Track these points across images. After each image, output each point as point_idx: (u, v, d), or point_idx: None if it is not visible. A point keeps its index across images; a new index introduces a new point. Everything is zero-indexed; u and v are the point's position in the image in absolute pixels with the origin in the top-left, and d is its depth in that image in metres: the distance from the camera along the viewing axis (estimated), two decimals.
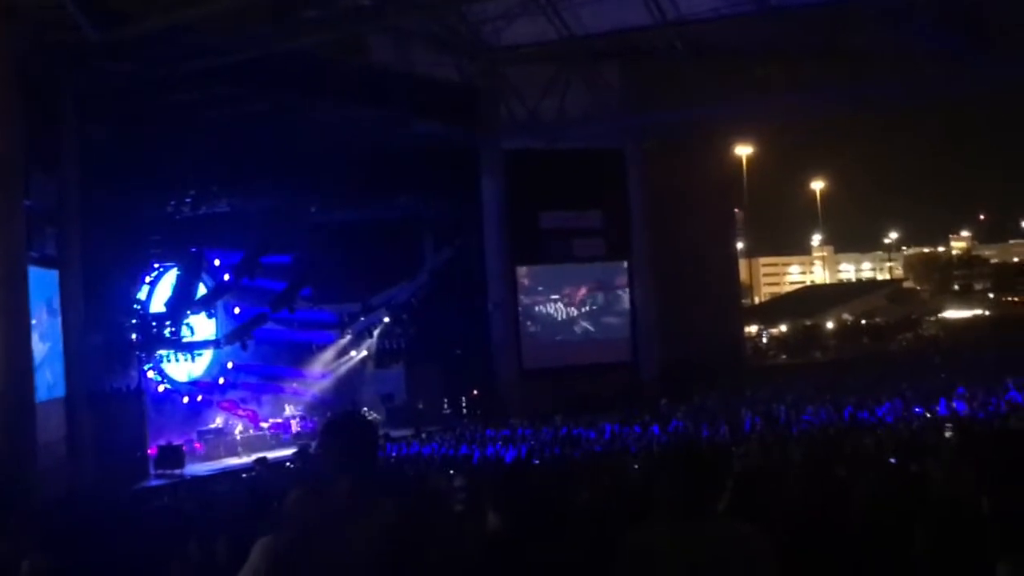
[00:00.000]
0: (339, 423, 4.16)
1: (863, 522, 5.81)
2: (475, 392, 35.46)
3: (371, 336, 35.51)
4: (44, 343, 22.04)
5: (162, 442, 27.61)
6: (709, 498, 4.06)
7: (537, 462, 20.13)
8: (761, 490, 8.18)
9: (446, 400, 35.44)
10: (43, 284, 22.30)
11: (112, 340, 26.21)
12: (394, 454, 24.87)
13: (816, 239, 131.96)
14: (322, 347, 35.24)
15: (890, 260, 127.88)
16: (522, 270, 36.93)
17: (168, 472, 26.27)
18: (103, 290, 25.22)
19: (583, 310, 37.89)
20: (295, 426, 31.96)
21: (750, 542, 3.98)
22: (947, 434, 16.32)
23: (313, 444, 28.55)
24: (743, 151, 58.28)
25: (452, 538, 3.96)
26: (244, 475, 24.02)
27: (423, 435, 29.59)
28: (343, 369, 35.41)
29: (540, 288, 37.51)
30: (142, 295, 28.91)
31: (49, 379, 22.28)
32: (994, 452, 3.99)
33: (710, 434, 23.92)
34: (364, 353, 35.67)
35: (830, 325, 66.07)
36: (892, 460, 10.20)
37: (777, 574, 3.99)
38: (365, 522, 3.79)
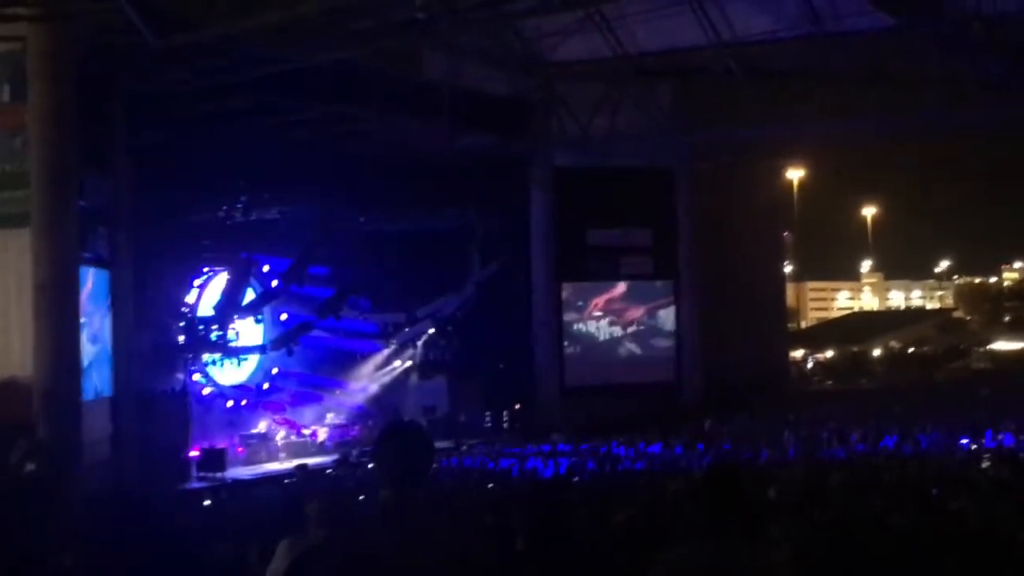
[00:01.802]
0: (393, 432, 4.15)
1: (897, 552, 5.78)
2: (517, 406, 35.47)
3: (415, 347, 35.59)
4: (94, 345, 22.29)
5: (205, 445, 27.79)
6: (739, 522, 4.05)
7: (576, 479, 20.12)
8: (800, 515, 8.16)
9: (488, 413, 35.46)
10: (95, 284, 22.59)
11: (160, 342, 26.44)
12: (433, 466, 24.84)
13: (866, 265, 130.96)
14: (367, 356, 35.37)
15: (940, 289, 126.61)
16: (567, 287, 36.94)
17: (210, 475, 26.44)
18: (153, 292, 25.48)
19: (628, 330, 37.79)
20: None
21: (779, 571, 3.99)
22: (984, 465, 16.17)
23: (354, 452, 28.66)
24: (794, 174, 57.97)
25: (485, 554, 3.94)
26: (285, 481, 24.14)
27: (463, 447, 29.67)
28: (386, 379, 35.51)
29: (584, 305, 37.45)
30: (191, 298, 29.15)
31: (96, 382, 22.53)
32: None
33: (751, 457, 23.83)
34: (408, 364, 35.76)
35: (877, 352, 65.47)
36: (933, 491, 10.15)
37: None
38: (407, 534, 3.78)
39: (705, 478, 4.36)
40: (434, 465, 4.15)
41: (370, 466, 24.32)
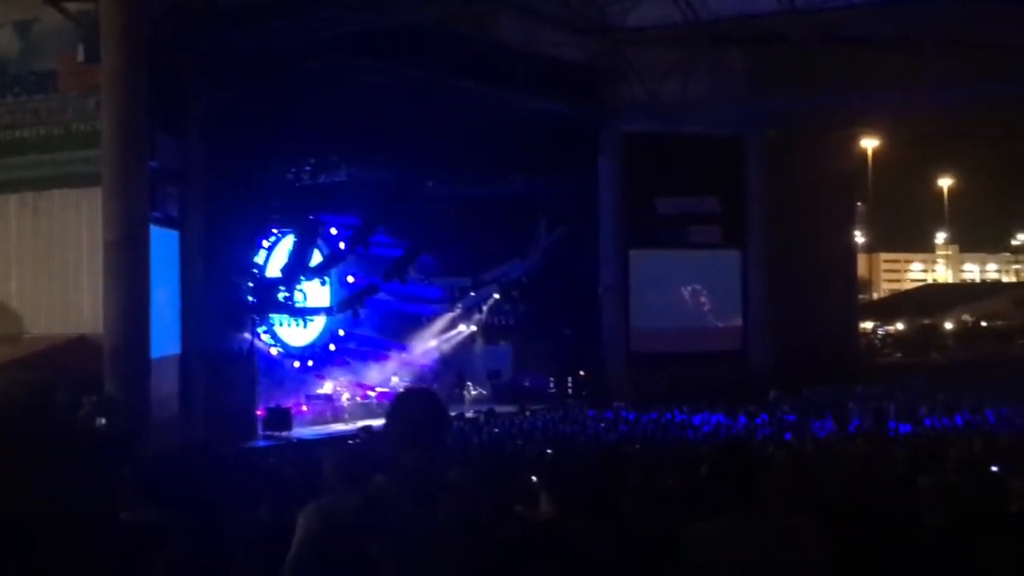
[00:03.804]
0: (406, 399, 4.19)
1: (940, 528, 5.70)
2: (582, 373, 35.46)
3: (481, 312, 35.71)
4: (162, 303, 22.51)
5: (271, 404, 28.09)
6: (760, 496, 4.06)
7: (638, 447, 20.08)
8: (855, 489, 8.08)
9: (552, 379, 35.51)
10: (164, 244, 22.84)
11: (228, 301, 26.68)
12: (497, 430, 24.98)
13: (941, 237, 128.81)
14: (432, 319, 35.57)
15: (1017, 262, 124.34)
16: (635, 254, 36.72)
17: (276, 434, 26.72)
18: (221, 252, 25.69)
19: (698, 300, 37.51)
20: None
21: (800, 533, 4.00)
22: None
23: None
24: (868, 143, 57.02)
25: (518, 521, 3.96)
26: (349, 442, 24.27)
27: (527, 412, 29.76)
28: (452, 343, 35.69)
29: (653, 273, 37.18)
30: (259, 259, 29.40)
31: (164, 341, 22.79)
32: None
33: (818, 429, 23.69)
34: (473, 328, 35.90)
35: (949, 326, 64.55)
36: (994, 469, 10.00)
37: (824, 562, 4.01)
38: (434, 496, 3.82)
39: (719, 457, 4.35)
40: (460, 428, 4.24)
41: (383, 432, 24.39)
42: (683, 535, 4.06)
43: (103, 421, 17.01)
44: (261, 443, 25.66)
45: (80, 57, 21.59)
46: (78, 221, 22.52)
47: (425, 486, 3.87)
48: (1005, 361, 46.83)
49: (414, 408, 4.10)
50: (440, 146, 29.60)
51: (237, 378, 26.10)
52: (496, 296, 35.42)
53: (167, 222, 23.21)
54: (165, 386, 22.48)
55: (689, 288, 37.31)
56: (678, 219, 36.71)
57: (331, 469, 4.94)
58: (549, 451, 14.01)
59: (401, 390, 4.27)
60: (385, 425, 4.19)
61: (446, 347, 35.63)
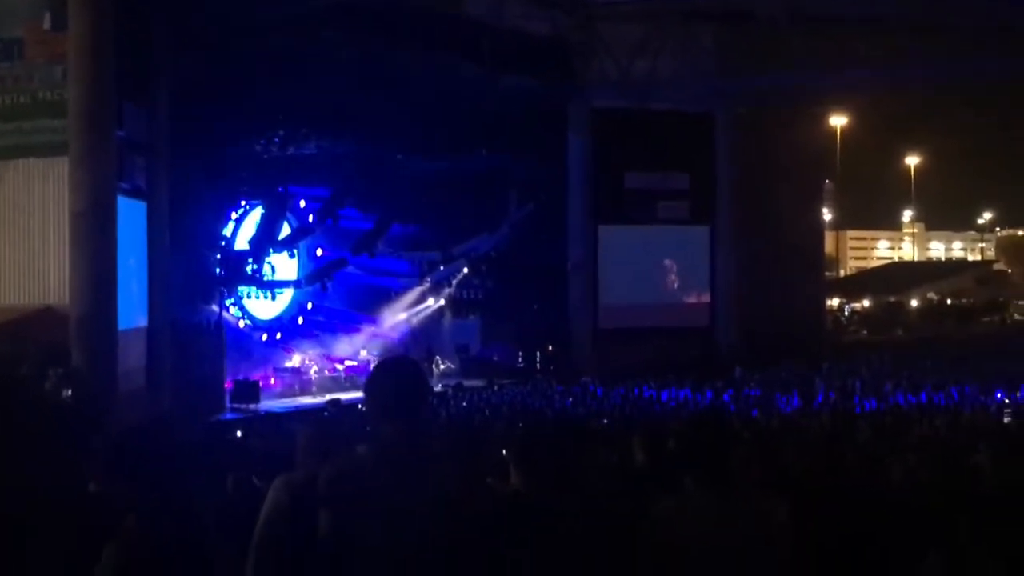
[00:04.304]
0: (387, 369, 4.18)
1: (911, 507, 5.76)
2: (550, 348, 35.53)
3: (450, 286, 35.71)
4: (130, 275, 22.37)
5: (239, 377, 28.01)
6: (730, 469, 4.07)
7: (605, 421, 20.16)
8: (829, 464, 8.14)
9: (521, 354, 35.57)
10: (131, 215, 22.67)
11: (196, 273, 26.54)
12: (465, 404, 25.03)
13: (907, 215, 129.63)
14: (401, 293, 35.53)
15: (982, 241, 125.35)
16: (604, 229, 36.74)
17: (243, 406, 26.66)
18: (190, 224, 25.52)
19: (666, 277, 37.62)
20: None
21: (773, 514, 4.02)
22: (1006, 420, 16.06)
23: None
24: (837, 121, 57.20)
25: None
26: (323, 414, 24.22)
27: (495, 387, 29.82)
28: (420, 317, 35.68)
29: (621, 248, 37.21)
30: (227, 231, 29.25)
31: (132, 312, 22.66)
32: None
33: (783, 405, 23.87)
34: (442, 302, 35.91)
35: (914, 303, 65.03)
36: (959, 445, 10.12)
37: (789, 544, 4.03)
38: (413, 468, 3.83)
39: (689, 431, 4.36)
40: (432, 400, 4.25)
41: (360, 407, 24.46)
42: (652, 511, 4.07)
43: (69, 393, 16.93)
44: (229, 415, 25.58)
45: (47, 25, 21.36)
46: (44, 192, 22.31)
47: (399, 458, 3.87)
48: (969, 339, 47.27)
49: (392, 379, 4.08)
50: (410, 120, 29.48)
51: (205, 350, 26.00)
52: (465, 270, 35.42)
53: (135, 193, 23.04)
54: (132, 358, 22.36)
55: (657, 264, 37.42)
56: (647, 195, 36.74)
57: (304, 442, 4.94)
58: (521, 424, 14.03)
59: (381, 360, 4.25)
60: (365, 396, 4.18)
61: (415, 321, 35.64)
